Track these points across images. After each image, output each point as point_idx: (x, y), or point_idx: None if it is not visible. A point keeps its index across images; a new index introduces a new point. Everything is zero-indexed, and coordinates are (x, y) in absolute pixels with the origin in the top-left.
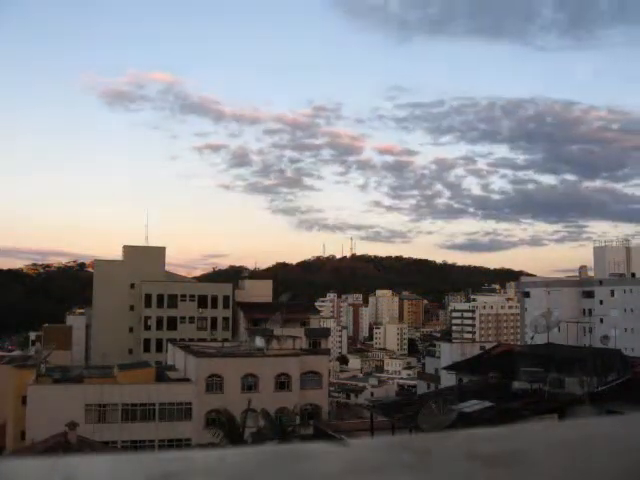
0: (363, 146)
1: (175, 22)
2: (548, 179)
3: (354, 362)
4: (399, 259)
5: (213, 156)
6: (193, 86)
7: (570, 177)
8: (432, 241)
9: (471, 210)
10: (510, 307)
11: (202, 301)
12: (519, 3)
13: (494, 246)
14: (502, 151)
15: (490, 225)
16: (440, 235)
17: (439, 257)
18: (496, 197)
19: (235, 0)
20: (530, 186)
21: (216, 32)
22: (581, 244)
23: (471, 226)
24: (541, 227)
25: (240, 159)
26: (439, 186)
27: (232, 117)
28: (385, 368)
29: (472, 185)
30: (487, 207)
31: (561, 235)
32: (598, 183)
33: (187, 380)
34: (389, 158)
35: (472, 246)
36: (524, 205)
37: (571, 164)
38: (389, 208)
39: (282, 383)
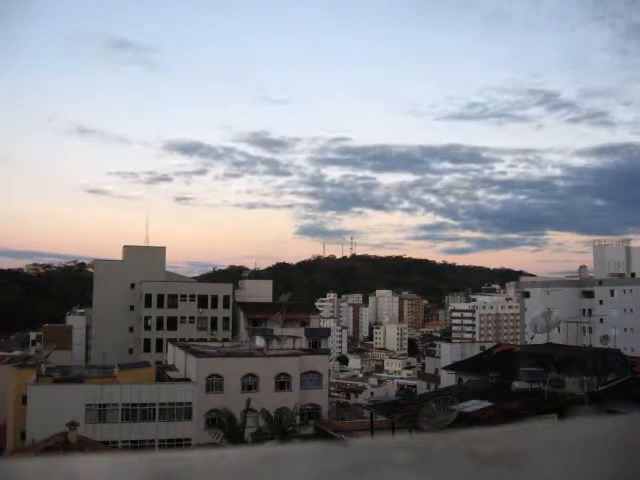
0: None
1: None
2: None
3: (354, 362)
4: (399, 259)
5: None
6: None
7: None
8: (428, 243)
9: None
10: (510, 307)
11: (202, 301)
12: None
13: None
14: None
15: (468, 234)
16: (433, 239)
17: (439, 257)
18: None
19: None
20: (483, 202)
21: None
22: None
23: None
24: (509, 235)
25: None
26: (407, 203)
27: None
28: (385, 368)
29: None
30: (460, 219)
31: (529, 241)
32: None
33: (187, 380)
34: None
35: (468, 248)
36: (483, 218)
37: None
38: (377, 218)
39: (282, 383)
